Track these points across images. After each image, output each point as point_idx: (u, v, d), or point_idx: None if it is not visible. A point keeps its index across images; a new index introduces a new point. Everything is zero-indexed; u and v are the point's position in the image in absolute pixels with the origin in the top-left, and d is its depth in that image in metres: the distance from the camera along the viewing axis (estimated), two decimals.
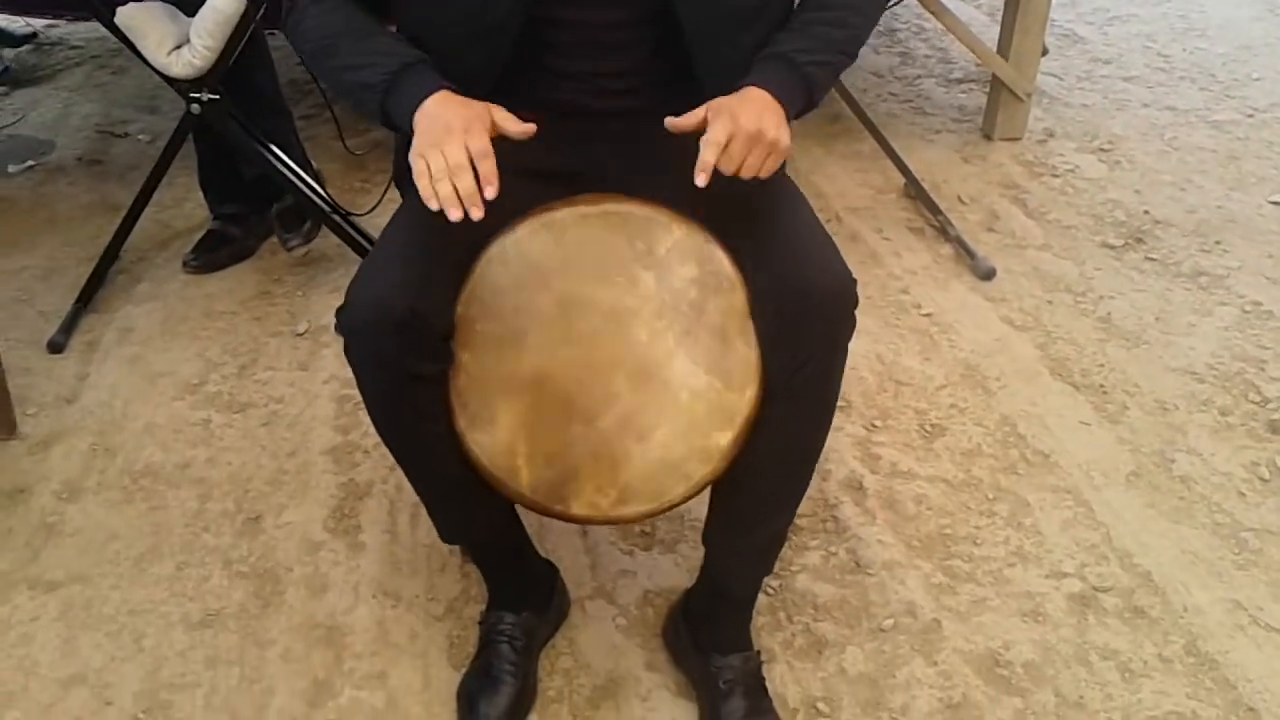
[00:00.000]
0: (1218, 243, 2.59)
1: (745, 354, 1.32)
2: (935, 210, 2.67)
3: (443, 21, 1.33)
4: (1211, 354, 2.18)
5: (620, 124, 1.40)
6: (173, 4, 2.17)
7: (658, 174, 1.33)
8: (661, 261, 1.33)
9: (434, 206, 1.16)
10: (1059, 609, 1.63)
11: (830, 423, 1.37)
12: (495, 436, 1.36)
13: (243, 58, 2.18)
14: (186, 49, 2.08)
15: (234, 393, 2.10)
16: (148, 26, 2.06)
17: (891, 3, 2.75)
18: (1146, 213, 2.73)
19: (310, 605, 1.64)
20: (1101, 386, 2.11)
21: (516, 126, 1.23)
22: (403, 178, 1.53)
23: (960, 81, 3.53)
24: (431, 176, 1.17)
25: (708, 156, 1.20)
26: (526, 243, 1.33)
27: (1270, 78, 3.47)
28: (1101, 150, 3.06)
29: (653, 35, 1.36)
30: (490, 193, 1.18)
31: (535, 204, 1.34)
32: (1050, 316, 2.33)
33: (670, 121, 1.25)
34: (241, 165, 2.45)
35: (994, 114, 3.10)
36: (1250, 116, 3.21)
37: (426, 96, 1.24)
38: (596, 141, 1.40)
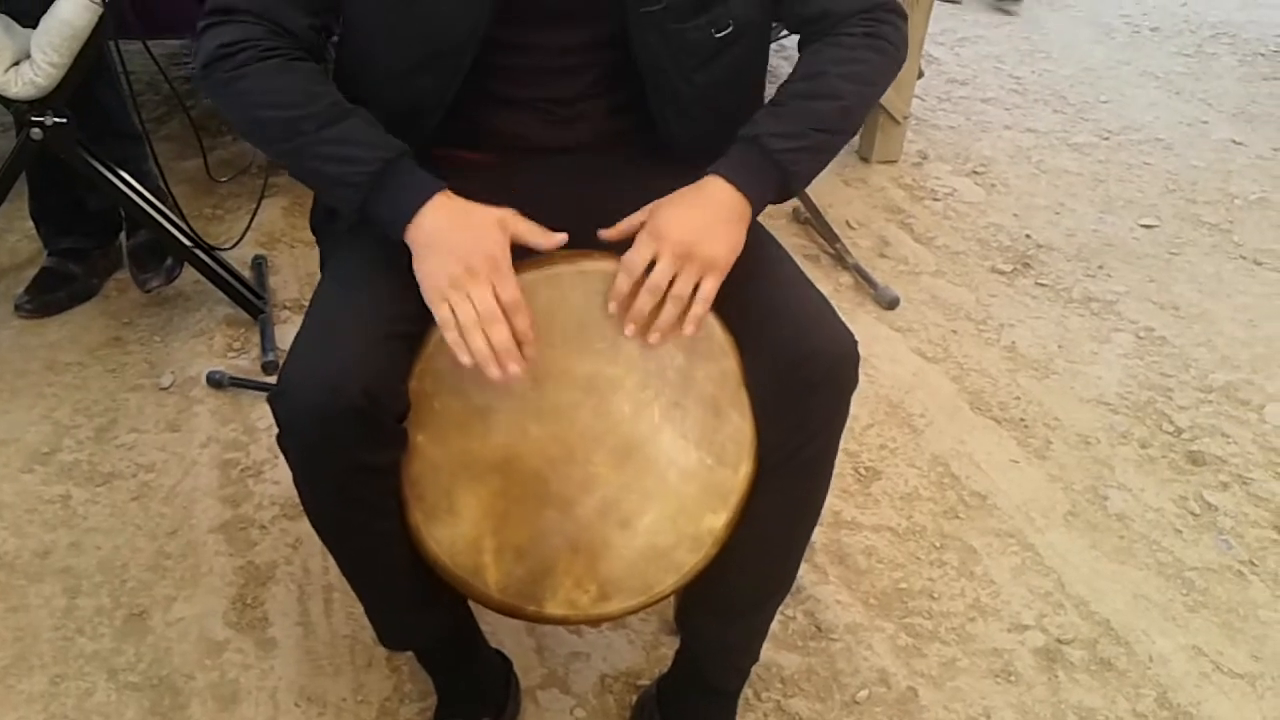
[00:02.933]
0: (1100, 267, 2.63)
1: (739, 426, 1.19)
2: (832, 238, 2.62)
3: (395, 43, 1.17)
4: (1119, 383, 2.20)
5: (578, 161, 1.28)
6: (5, 14, 1.87)
7: (614, 219, 1.19)
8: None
9: (465, 360, 1.05)
10: (1028, 666, 1.58)
11: (827, 492, 1.26)
12: (457, 530, 1.19)
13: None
14: (27, 65, 1.79)
15: (94, 461, 1.82)
16: None
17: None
18: (1029, 237, 2.76)
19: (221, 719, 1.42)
20: (1022, 420, 2.09)
21: (546, 240, 1.11)
22: (323, 227, 1.35)
23: None
24: (460, 326, 1.04)
25: (620, 285, 1.11)
26: None
27: (1116, 100, 3.60)
28: (975, 173, 3.09)
29: (606, 62, 1.24)
30: (529, 351, 1.07)
31: None
32: (958, 347, 2.31)
33: (603, 233, 1.15)
34: (85, 195, 2.15)
35: (871, 136, 3.09)
36: (1106, 139, 3.31)
37: (421, 204, 1.08)
38: (557, 184, 1.25)
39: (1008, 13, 3.43)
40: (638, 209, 1.18)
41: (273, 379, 1.99)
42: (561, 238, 1.13)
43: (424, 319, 1.12)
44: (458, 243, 1.07)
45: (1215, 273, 2.61)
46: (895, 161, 3.11)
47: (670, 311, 1.11)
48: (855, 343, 1.19)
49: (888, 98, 2.96)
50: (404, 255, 1.11)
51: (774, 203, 1.18)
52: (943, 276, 2.58)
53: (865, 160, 3.12)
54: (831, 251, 2.62)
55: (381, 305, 1.13)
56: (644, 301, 1.11)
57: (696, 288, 1.10)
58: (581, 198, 1.24)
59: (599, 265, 1.18)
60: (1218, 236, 2.77)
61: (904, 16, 1.24)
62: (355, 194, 1.10)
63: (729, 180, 1.12)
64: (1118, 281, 2.57)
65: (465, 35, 1.16)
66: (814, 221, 2.66)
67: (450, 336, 1.06)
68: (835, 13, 1.20)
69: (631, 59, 1.21)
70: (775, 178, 1.14)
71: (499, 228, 1.09)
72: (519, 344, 1.07)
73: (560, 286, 1.18)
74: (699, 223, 1.09)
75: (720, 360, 1.18)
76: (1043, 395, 2.16)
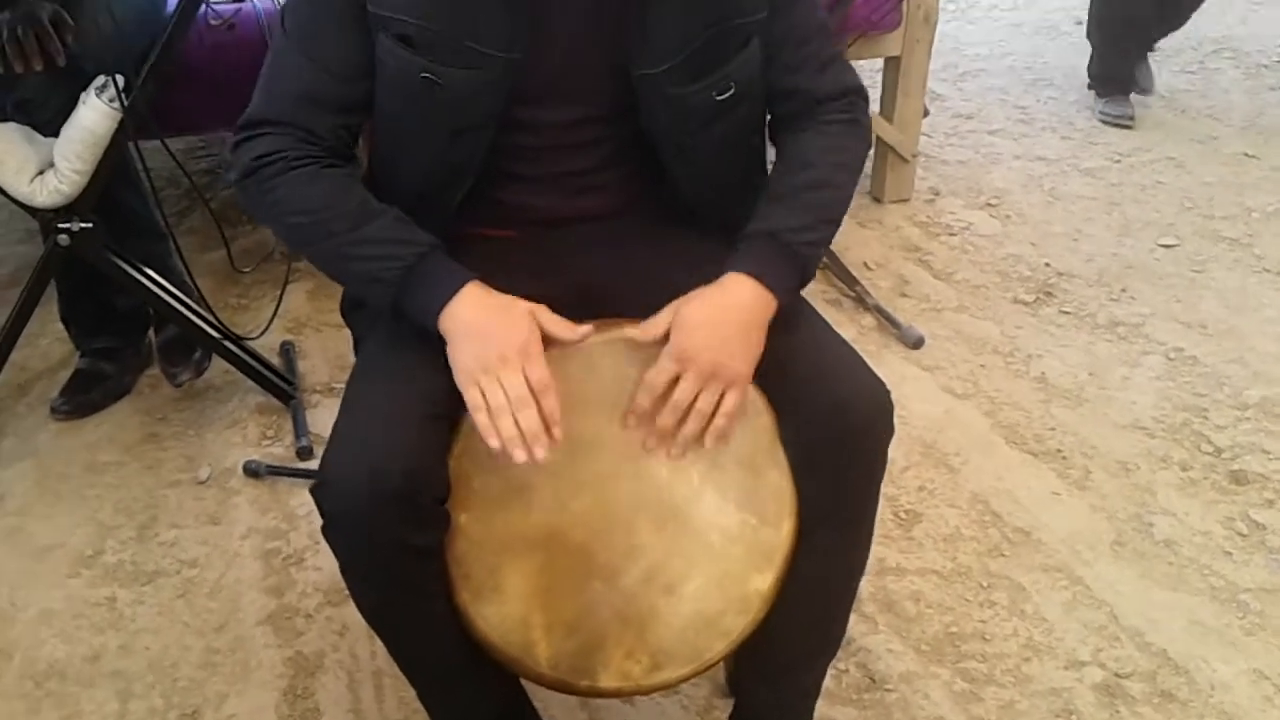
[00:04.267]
0: (1123, 290, 2.62)
1: (778, 484, 1.19)
2: (851, 280, 2.62)
3: (418, 128, 1.21)
4: (1154, 406, 2.18)
5: (598, 229, 1.31)
6: (24, 123, 1.92)
7: (651, 283, 1.21)
8: None
9: (494, 444, 1.08)
10: (1089, 704, 1.55)
11: (871, 544, 1.26)
12: (505, 608, 1.19)
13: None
14: (51, 174, 1.83)
15: (138, 561, 1.83)
16: (4, 154, 1.81)
17: None
18: (1048, 265, 2.76)
19: None
20: (1059, 451, 2.07)
21: (569, 333, 1.14)
22: (354, 312, 1.37)
23: None
24: (490, 410, 1.07)
25: (641, 401, 1.14)
26: None
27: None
28: (989, 205, 3.09)
29: (617, 132, 1.27)
30: (558, 433, 1.09)
31: None
32: (988, 381, 2.30)
33: (632, 333, 1.16)
34: (114, 295, 2.19)
35: (882, 177, 3.11)
36: (1118, 162, 3.31)
37: (451, 295, 1.12)
38: (579, 252, 1.29)
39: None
40: (655, 272, 1.22)
41: (308, 464, 2.01)
42: (587, 329, 1.15)
43: (459, 399, 1.14)
44: (491, 331, 1.11)
45: (1240, 287, 2.59)
46: (908, 200, 3.12)
47: (693, 427, 1.14)
48: (888, 392, 1.19)
49: (894, 138, 2.99)
50: (436, 337, 1.13)
51: (793, 295, 1.19)
52: (965, 311, 2.58)
53: (878, 200, 3.13)
54: (852, 294, 2.62)
55: (417, 388, 1.14)
56: (667, 419, 1.14)
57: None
58: (601, 265, 1.27)
59: (625, 333, 1.19)
60: (1239, 251, 2.75)
61: (868, 99, 1.31)
62: (388, 290, 1.13)
63: (754, 278, 1.14)
64: (1142, 304, 2.56)
65: (482, 117, 1.19)
66: (832, 265, 2.67)
67: (480, 420, 1.09)
68: (812, 93, 1.25)
69: (640, 127, 1.24)
70: (797, 270, 1.17)
71: (530, 317, 1.13)
72: (547, 426, 1.09)
73: (589, 358, 1.19)
74: (723, 336, 1.12)
75: (755, 419, 1.18)
76: (1077, 424, 2.14)
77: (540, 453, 1.08)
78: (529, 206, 1.30)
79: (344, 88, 1.20)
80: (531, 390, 1.09)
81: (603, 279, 1.25)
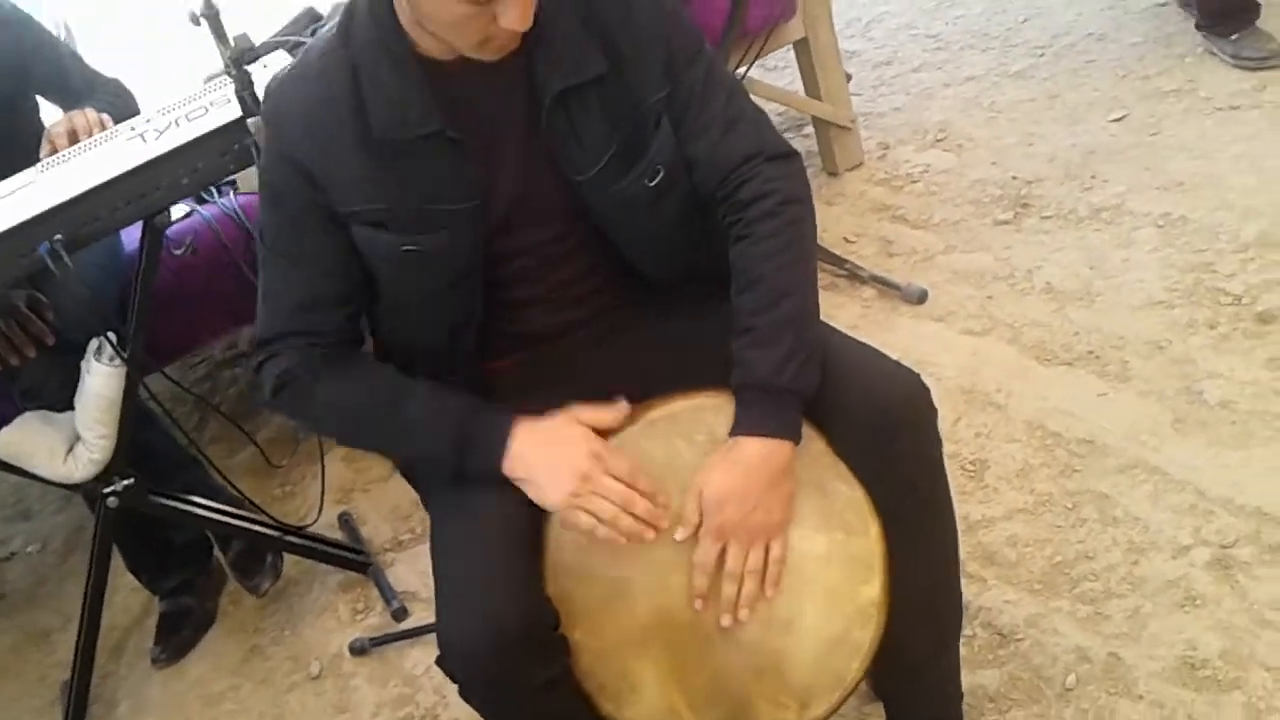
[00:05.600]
0: (1093, 176, 2.66)
1: (850, 494, 1.24)
2: (838, 260, 2.67)
3: (418, 286, 1.27)
4: (1162, 277, 2.22)
5: (604, 327, 1.37)
6: (36, 408, 1.99)
7: (669, 362, 1.29)
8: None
9: (624, 542, 1.16)
10: (1207, 583, 1.59)
11: (954, 518, 1.30)
12: (647, 703, 1.24)
13: None
14: (80, 448, 1.90)
15: None
16: (32, 445, 1.87)
17: None
18: (1014, 178, 2.79)
19: None
20: (1090, 353, 2.11)
21: (611, 415, 1.22)
22: (412, 470, 1.42)
23: None
24: (605, 522, 1.15)
25: (699, 585, 1.21)
26: None
27: (1034, 15, 3.64)
28: (938, 141, 3.13)
29: (590, 235, 1.32)
30: (664, 499, 1.18)
31: None
32: (1000, 310, 2.34)
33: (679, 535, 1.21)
34: (172, 533, 2.25)
35: (830, 150, 3.15)
36: (1042, 55, 3.35)
37: (504, 447, 1.18)
38: (596, 354, 1.36)
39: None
40: (670, 350, 1.30)
41: (406, 624, 2.06)
42: (623, 405, 1.22)
43: (536, 528, 1.20)
44: (556, 457, 1.17)
45: (1199, 134, 2.63)
46: (862, 164, 3.16)
47: (751, 587, 1.20)
48: (917, 377, 1.24)
49: (829, 112, 3.04)
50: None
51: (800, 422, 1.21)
52: (954, 250, 2.62)
53: (834, 175, 3.16)
54: (844, 273, 2.66)
55: (499, 527, 1.20)
56: (729, 591, 1.20)
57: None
58: (619, 360, 1.33)
59: (662, 410, 1.25)
60: (1186, 100, 2.79)
61: (792, 155, 1.28)
62: (448, 463, 1.20)
63: (760, 436, 1.17)
64: (1115, 183, 2.60)
65: (469, 264, 1.26)
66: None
67: (602, 533, 1.16)
68: (716, 160, 1.25)
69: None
70: (795, 402, 1.19)
71: (578, 425, 1.20)
72: (651, 500, 1.18)
73: (636, 445, 1.24)
74: (751, 500, 1.16)
75: (808, 444, 1.22)
76: (1098, 320, 2.18)
77: (665, 523, 1.18)
78: (538, 326, 1.36)
79: (340, 282, 1.26)
80: (625, 481, 1.17)
81: (624, 372, 1.31)
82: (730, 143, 1.25)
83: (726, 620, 1.21)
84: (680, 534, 1.20)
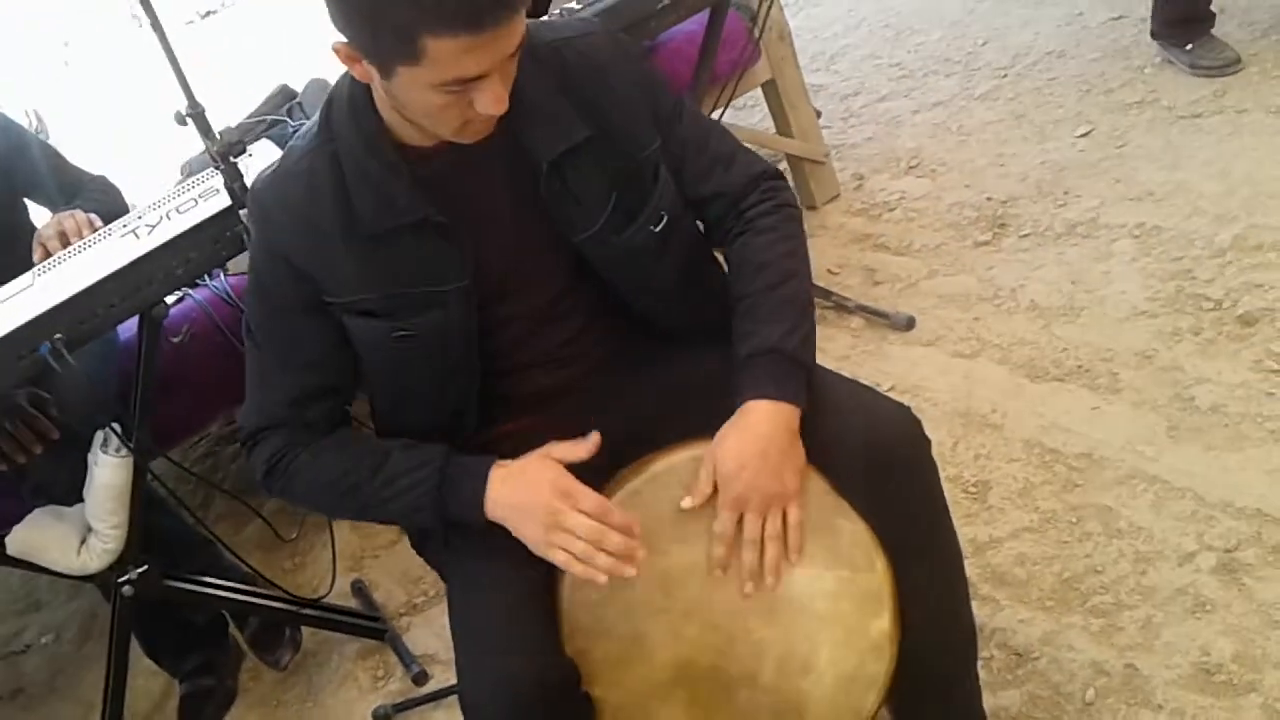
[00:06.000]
0: (1065, 192, 2.71)
1: (853, 530, 1.26)
2: (824, 294, 2.70)
3: (412, 368, 1.30)
4: (1143, 287, 2.26)
5: (603, 382, 1.40)
6: (45, 504, 2.00)
7: (669, 410, 1.32)
8: None
9: (601, 580, 1.15)
10: (1215, 588, 1.61)
11: (958, 542, 1.33)
12: None
13: None
14: (93, 539, 1.91)
15: None
16: (45, 541, 1.89)
17: None
18: (989, 199, 2.85)
19: None
20: (1080, 367, 2.14)
21: (580, 450, 1.23)
22: (424, 546, 1.45)
23: None
24: (578, 558, 1.16)
25: (719, 554, 1.23)
26: None
27: (993, 37, 3.72)
28: (911, 168, 3.19)
29: (586, 294, 1.36)
30: (637, 530, 1.18)
31: None
32: (987, 331, 2.37)
33: (686, 503, 1.24)
34: (189, 614, 2.26)
35: (806, 185, 3.20)
36: (1004, 76, 3.42)
37: (484, 488, 1.21)
38: (597, 411, 1.37)
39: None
40: (664, 402, 1.33)
41: (428, 687, 2.07)
42: (594, 436, 1.24)
43: (550, 588, 1.22)
44: (528, 497, 1.19)
45: (1165, 144, 2.69)
46: (838, 196, 3.22)
47: (774, 552, 1.22)
48: (908, 410, 1.28)
49: (801, 149, 3.10)
50: (506, 535, 1.21)
51: (805, 393, 1.25)
52: (937, 274, 2.66)
53: (813, 208, 3.21)
54: (830, 304, 2.70)
55: (515, 590, 1.22)
56: (751, 557, 1.22)
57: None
58: (619, 413, 1.35)
59: (661, 464, 1.28)
60: (1149, 110, 2.85)
61: (780, 174, 1.39)
62: (431, 513, 1.23)
63: (770, 399, 1.21)
64: (1088, 197, 2.65)
65: (464, 341, 1.29)
66: None
67: (578, 570, 1.17)
68: (728, 192, 1.34)
69: (601, 281, 1.33)
70: (801, 371, 1.24)
71: (549, 463, 1.22)
72: (628, 533, 1.18)
73: (639, 499, 1.26)
74: (765, 466, 1.19)
75: (809, 484, 1.25)
76: (1084, 335, 2.22)
77: (643, 554, 1.17)
78: (539, 386, 1.39)
79: (328, 375, 1.30)
80: (594, 516, 1.17)
81: (624, 425, 1.33)
82: (734, 175, 1.34)
83: (749, 588, 1.23)
84: (688, 502, 1.22)
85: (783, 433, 1.20)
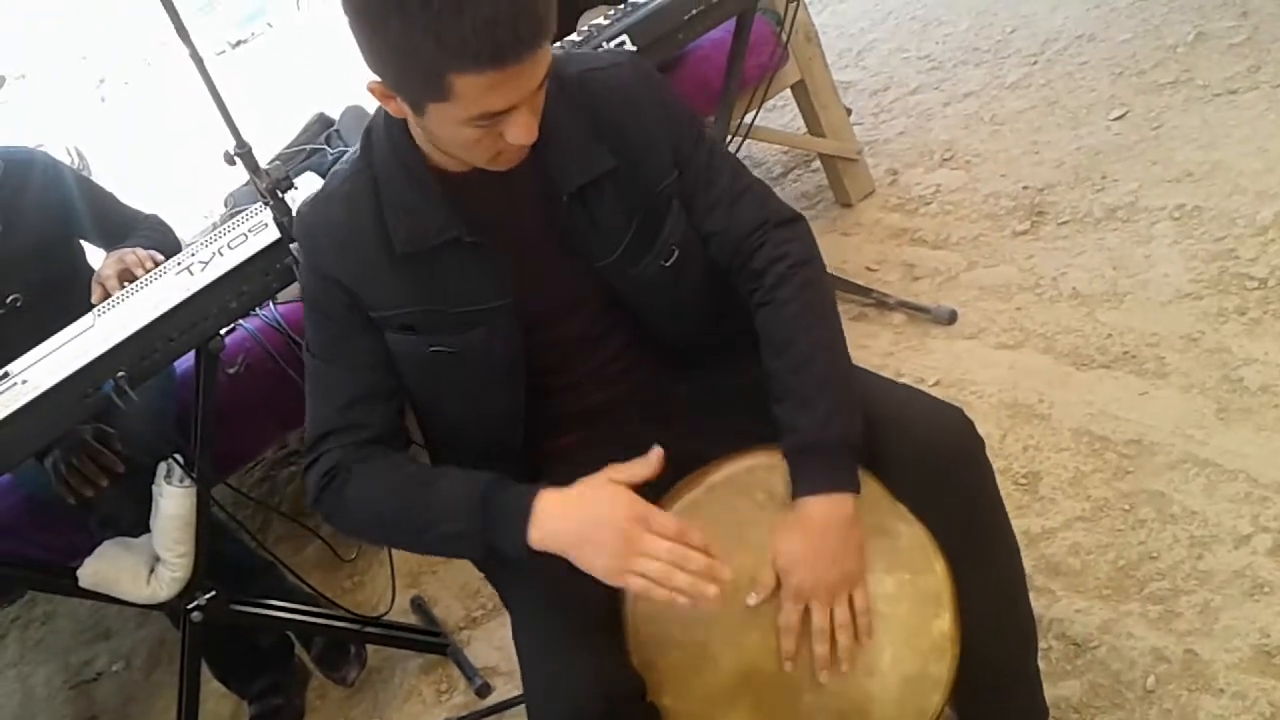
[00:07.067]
0: (1103, 177, 2.70)
1: (911, 533, 1.28)
2: (864, 291, 2.71)
3: (457, 384, 1.33)
4: (1185, 269, 2.25)
5: (639, 399, 1.43)
6: (113, 535, 2.06)
7: (714, 424, 1.35)
8: (787, 498, 1.28)
9: (685, 603, 1.12)
10: (1273, 570, 1.61)
11: (1014, 537, 1.34)
12: None
13: None
14: (162, 568, 1.96)
15: None
16: (116, 572, 1.94)
17: None
18: (1025, 188, 2.84)
19: None
20: (1126, 353, 2.14)
21: (643, 470, 1.20)
22: (488, 565, 1.47)
23: (785, 175, 3.66)
24: (658, 582, 1.12)
25: (788, 646, 1.24)
26: None
27: (1021, 24, 3.72)
28: (945, 160, 3.19)
29: (620, 318, 1.39)
30: (715, 550, 1.15)
31: None
32: (1030, 320, 2.37)
33: (750, 601, 1.25)
34: (256, 637, 2.31)
35: (840, 183, 3.21)
36: (1034, 63, 3.42)
37: (529, 515, 1.17)
38: (641, 429, 1.39)
39: None
40: (709, 411, 1.36)
41: (491, 699, 2.10)
42: (657, 452, 1.21)
43: (613, 602, 1.25)
44: (595, 523, 1.15)
45: (1201, 122, 2.67)
46: (873, 192, 3.22)
47: (845, 640, 1.23)
48: (959, 412, 1.29)
49: (834, 147, 3.11)
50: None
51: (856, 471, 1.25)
52: (977, 266, 2.66)
53: (848, 206, 3.22)
54: (871, 301, 2.71)
55: (579, 605, 1.24)
56: (822, 649, 1.23)
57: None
58: (663, 427, 1.37)
59: (718, 474, 1.30)
60: (1184, 90, 2.83)
61: (797, 220, 1.35)
62: (475, 539, 1.20)
63: (822, 493, 1.22)
64: (1126, 181, 2.64)
65: (509, 361, 1.32)
66: (840, 285, 2.76)
67: (659, 595, 1.13)
68: (728, 233, 1.33)
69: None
70: (847, 455, 1.24)
71: (612, 485, 1.18)
72: (706, 553, 1.15)
73: (699, 511, 1.29)
74: (826, 558, 1.21)
75: (865, 489, 1.27)
76: (1128, 320, 2.21)
77: (727, 574, 1.14)
78: (585, 404, 1.42)
79: (383, 377, 1.32)
80: (672, 538, 1.14)
81: (673, 439, 1.35)
82: (739, 214, 1.33)
83: (824, 677, 1.24)
84: (753, 599, 1.24)
85: (839, 522, 1.21)
